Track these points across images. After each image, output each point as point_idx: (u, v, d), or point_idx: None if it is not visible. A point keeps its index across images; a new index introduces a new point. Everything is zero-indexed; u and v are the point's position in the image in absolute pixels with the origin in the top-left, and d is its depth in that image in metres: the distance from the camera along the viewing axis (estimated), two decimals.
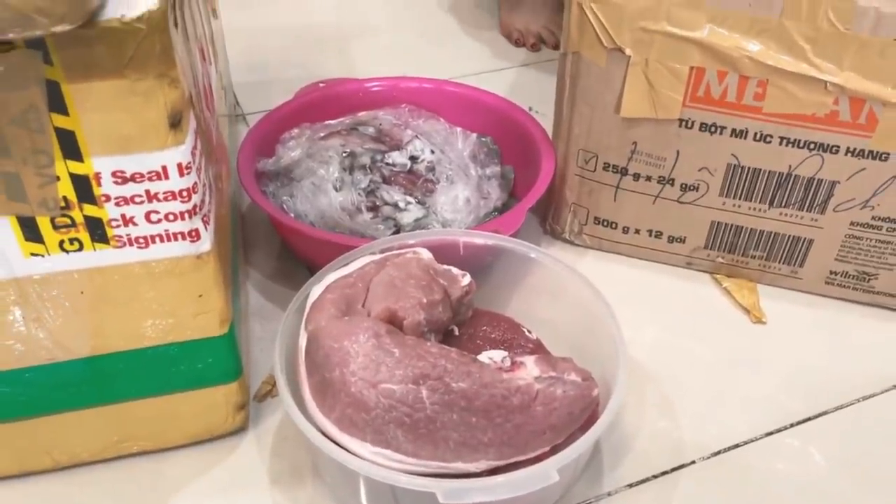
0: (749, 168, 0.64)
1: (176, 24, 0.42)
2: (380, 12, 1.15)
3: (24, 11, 0.32)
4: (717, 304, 0.69)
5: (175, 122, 0.41)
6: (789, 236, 0.67)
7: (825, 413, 0.60)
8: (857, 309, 0.68)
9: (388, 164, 0.74)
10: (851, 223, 0.64)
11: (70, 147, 0.40)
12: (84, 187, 0.41)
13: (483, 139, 0.79)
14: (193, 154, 0.43)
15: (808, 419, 0.60)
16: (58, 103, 0.38)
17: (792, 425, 0.59)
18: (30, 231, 0.42)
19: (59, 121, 0.39)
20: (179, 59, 0.41)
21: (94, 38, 0.36)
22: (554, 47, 1.03)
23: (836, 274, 0.68)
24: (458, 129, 0.79)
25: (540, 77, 0.99)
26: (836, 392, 0.62)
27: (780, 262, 0.69)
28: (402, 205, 0.70)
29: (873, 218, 0.63)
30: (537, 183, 0.69)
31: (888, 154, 0.60)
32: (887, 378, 0.63)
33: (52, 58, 0.37)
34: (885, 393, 0.62)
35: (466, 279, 0.56)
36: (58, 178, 0.40)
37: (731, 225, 0.68)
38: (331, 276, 0.54)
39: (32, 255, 0.43)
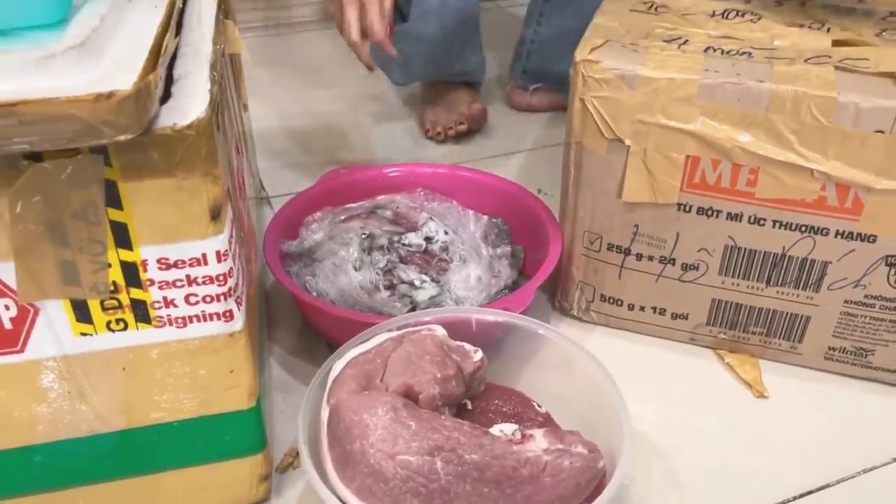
0: (745, 249, 0.68)
1: (218, 128, 0.47)
2: (397, 102, 1.22)
3: (93, 124, 0.37)
4: (720, 378, 0.72)
5: (215, 214, 0.46)
6: (787, 313, 0.70)
7: (827, 486, 0.62)
8: (857, 384, 0.71)
9: (404, 244, 0.78)
10: (845, 301, 0.67)
11: (122, 237, 0.44)
12: (132, 273, 0.45)
13: (494, 220, 0.83)
14: (230, 242, 0.48)
15: (811, 492, 0.61)
16: (114, 199, 0.43)
17: (795, 498, 0.61)
18: (81, 312, 0.46)
19: (114, 214, 0.43)
20: (220, 158, 0.46)
21: (149, 144, 0.41)
22: (458, 135, 1.10)
23: (834, 350, 0.71)
24: (471, 212, 0.83)
25: (550, 160, 1.05)
26: (838, 465, 0.63)
27: (779, 338, 0.72)
28: (417, 283, 0.74)
29: (866, 296, 0.66)
30: (545, 262, 0.73)
31: (875, 236, 0.63)
32: (888, 451, 0.65)
33: (112, 161, 0.41)
34: (885, 466, 0.64)
35: (478, 355, 0.59)
36: (109, 265, 0.45)
37: (731, 302, 0.71)
38: (351, 353, 0.57)
39: (82, 334, 0.47)
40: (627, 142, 0.66)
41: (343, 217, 0.81)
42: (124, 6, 0.50)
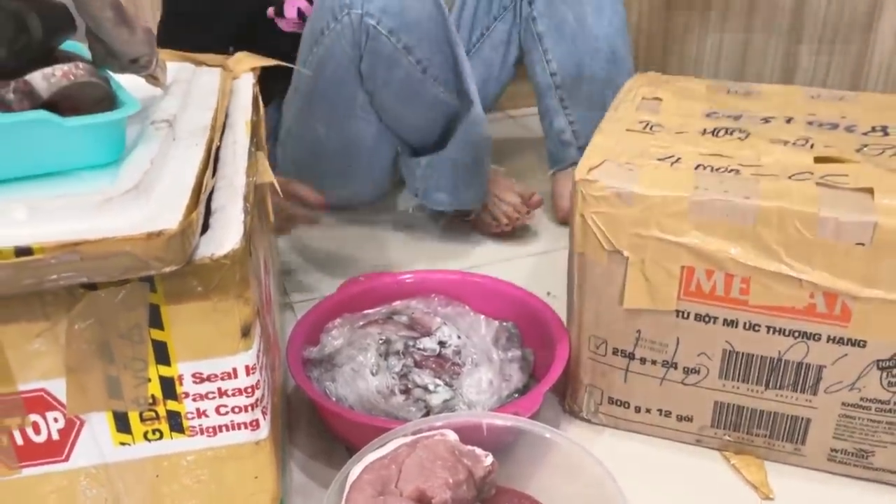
0: (743, 353, 0.71)
1: (250, 254, 0.52)
2: (407, 212, 1.28)
3: (144, 259, 0.43)
4: (727, 480, 0.74)
5: (245, 332, 0.50)
6: (788, 416, 0.73)
7: None
8: (861, 485, 0.72)
9: (419, 349, 0.82)
10: (843, 404, 0.70)
11: (161, 354, 0.49)
12: (169, 387, 0.50)
13: (505, 324, 0.87)
14: (258, 356, 0.53)
15: None
16: (156, 321, 0.48)
17: None
18: (121, 423, 0.50)
19: (155, 334, 0.48)
20: (251, 281, 0.51)
21: (190, 273, 0.47)
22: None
23: (836, 451, 0.73)
24: (482, 316, 0.88)
25: (559, 261, 1.10)
26: None
27: (783, 440, 0.74)
28: (431, 387, 0.78)
29: (861, 399, 0.69)
30: (553, 366, 0.76)
31: (865, 341, 0.67)
32: None
33: (156, 287, 0.47)
34: None
35: (489, 459, 0.62)
36: (149, 380, 0.49)
37: (733, 405, 0.74)
38: (368, 457, 0.61)
39: (121, 443, 0.51)
40: (626, 253, 0.71)
41: (361, 323, 0.85)
42: (169, 144, 0.57)
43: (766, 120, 0.84)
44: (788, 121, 0.83)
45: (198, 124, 0.62)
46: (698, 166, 0.72)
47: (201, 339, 0.49)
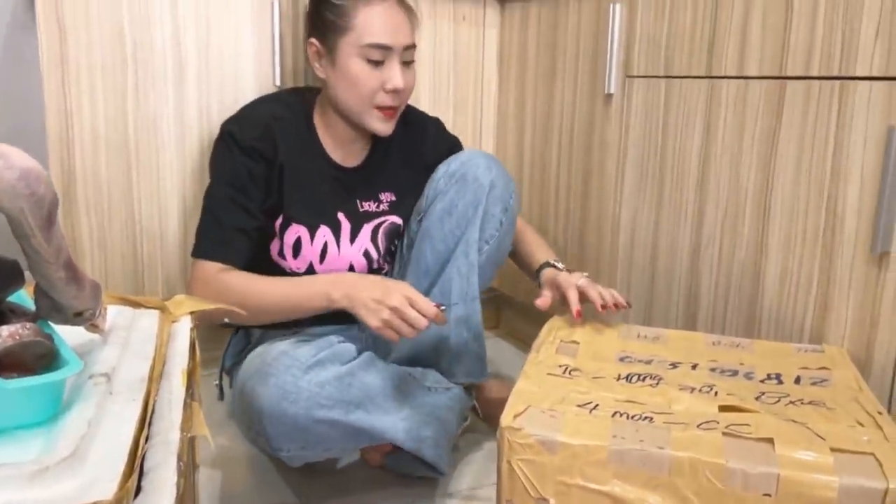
0: None
1: None
2: None
3: None
4: None
5: None
6: None
7: None
8: None
9: None
10: None
11: None
12: None
13: None
14: None
15: None
16: None
17: None
18: None
19: None
20: None
21: None
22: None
23: None
24: None
25: None
26: None
27: None
28: None
29: None
30: None
31: None
32: None
33: None
34: None
35: None
36: None
37: None
38: None
39: None
40: (552, 501, 0.73)
41: None
42: (106, 399, 0.58)
43: (674, 365, 0.91)
44: (694, 367, 0.90)
45: (136, 376, 0.63)
46: (615, 413, 0.77)
47: None
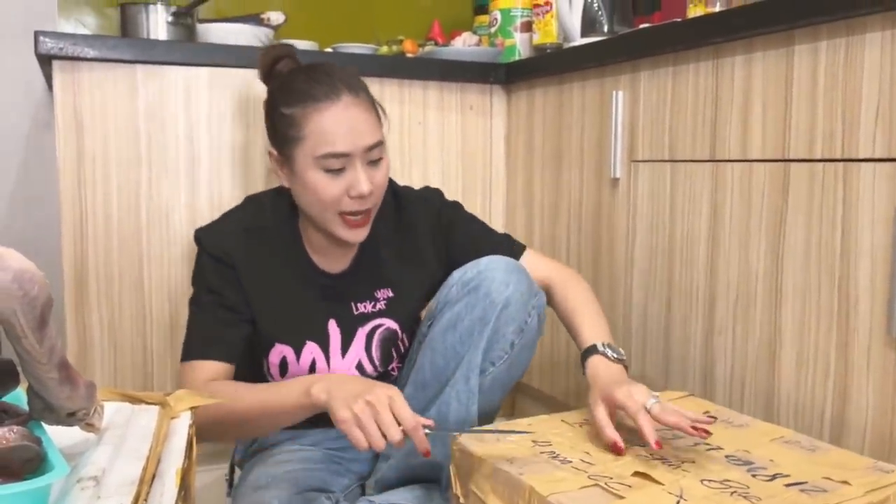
0: None
1: None
2: None
3: None
4: None
5: None
6: None
7: None
8: None
9: None
10: None
11: None
12: None
13: None
14: None
15: None
16: None
17: None
18: None
19: None
20: None
21: None
22: None
23: None
24: None
25: None
26: None
27: None
28: None
29: None
30: None
31: None
32: None
33: None
34: None
35: None
36: None
37: None
38: None
39: None
40: None
41: None
42: (93, 503, 0.56)
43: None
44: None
45: (126, 478, 0.62)
46: None
47: None
